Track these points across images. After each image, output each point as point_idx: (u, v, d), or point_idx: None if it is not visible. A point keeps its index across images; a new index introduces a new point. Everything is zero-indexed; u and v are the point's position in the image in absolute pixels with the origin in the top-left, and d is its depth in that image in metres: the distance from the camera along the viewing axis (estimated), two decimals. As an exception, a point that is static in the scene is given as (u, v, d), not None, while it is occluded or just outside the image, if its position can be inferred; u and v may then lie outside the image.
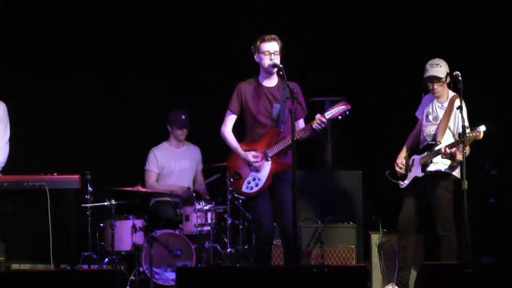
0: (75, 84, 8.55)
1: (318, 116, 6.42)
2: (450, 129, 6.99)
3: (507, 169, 7.90)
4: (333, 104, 6.59)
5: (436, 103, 7.11)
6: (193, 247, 7.42)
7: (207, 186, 8.25)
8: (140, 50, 8.59)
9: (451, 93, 7.05)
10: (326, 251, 7.65)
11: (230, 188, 6.69)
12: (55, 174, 6.86)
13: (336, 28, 8.49)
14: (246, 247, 7.55)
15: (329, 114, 6.50)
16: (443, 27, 8.27)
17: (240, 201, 7.41)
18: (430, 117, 7.11)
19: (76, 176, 6.91)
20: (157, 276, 7.30)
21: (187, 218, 7.61)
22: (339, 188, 8.00)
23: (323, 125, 6.42)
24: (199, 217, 7.56)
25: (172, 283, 7.27)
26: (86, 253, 7.50)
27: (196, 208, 7.54)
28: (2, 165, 7.11)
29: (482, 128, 6.65)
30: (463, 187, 6.41)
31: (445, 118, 6.98)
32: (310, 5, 8.50)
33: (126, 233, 7.59)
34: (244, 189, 6.55)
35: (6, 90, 7.44)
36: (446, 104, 7.03)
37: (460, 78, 6.61)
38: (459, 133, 6.67)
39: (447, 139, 6.94)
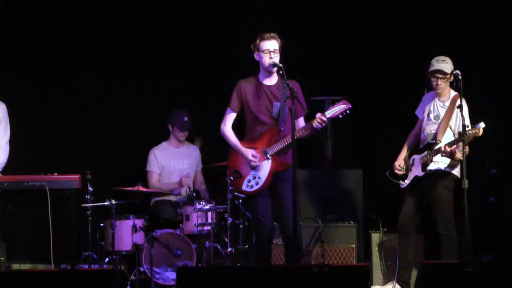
0: (75, 84, 8.55)
1: (318, 115, 6.41)
2: (451, 128, 6.98)
3: (508, 168, 7.89)
4: (333, 103, 6.57)
5: (437, 102, 7.10)
6: (193, 246, 7.42)
7: (207, 186, 8.26)
8: (140, 50, 8.59)
9: (453, 93, 7.04)
10: (326, 251, 7.64)
11: (231, 188, 6.68)
12: (55, 174, 6.85)
13: (336, 28, 8.48)
14: (246, 246, 7.54)
15: (329, 113, 6.48)
16: (443, 27, 8.26)
17: (241, 200, 7.42)
18: (431, 116, 7.10)
19: (76, 176, 6.90)
20: (157, 276, 7.30)
21: (188, 218, 7.61)
22: (339, 187, 7.99)
23: (323, 124, 6.40)
24: (200, 216, 7.56)
25: (173, 282, 7.27)
26: (86, 253, 7.51)
27: (196, 207, 7.54)
28: (3, 165, 7.11)
29: (482, 125, 6.64)
30: (463, 186, 6.40)
31: (446, 117, 6.98)
32: (310, 5, 8.49)
33: (127, 233, 7.59)
34: (244, 187, 6.54)
35: (7, 90, 7.43)
36: (447, 103, 7.02)
37: (460, 77, 6.61)
38: (459, 132, 6.68)
39: (447, 138, 6.93)
